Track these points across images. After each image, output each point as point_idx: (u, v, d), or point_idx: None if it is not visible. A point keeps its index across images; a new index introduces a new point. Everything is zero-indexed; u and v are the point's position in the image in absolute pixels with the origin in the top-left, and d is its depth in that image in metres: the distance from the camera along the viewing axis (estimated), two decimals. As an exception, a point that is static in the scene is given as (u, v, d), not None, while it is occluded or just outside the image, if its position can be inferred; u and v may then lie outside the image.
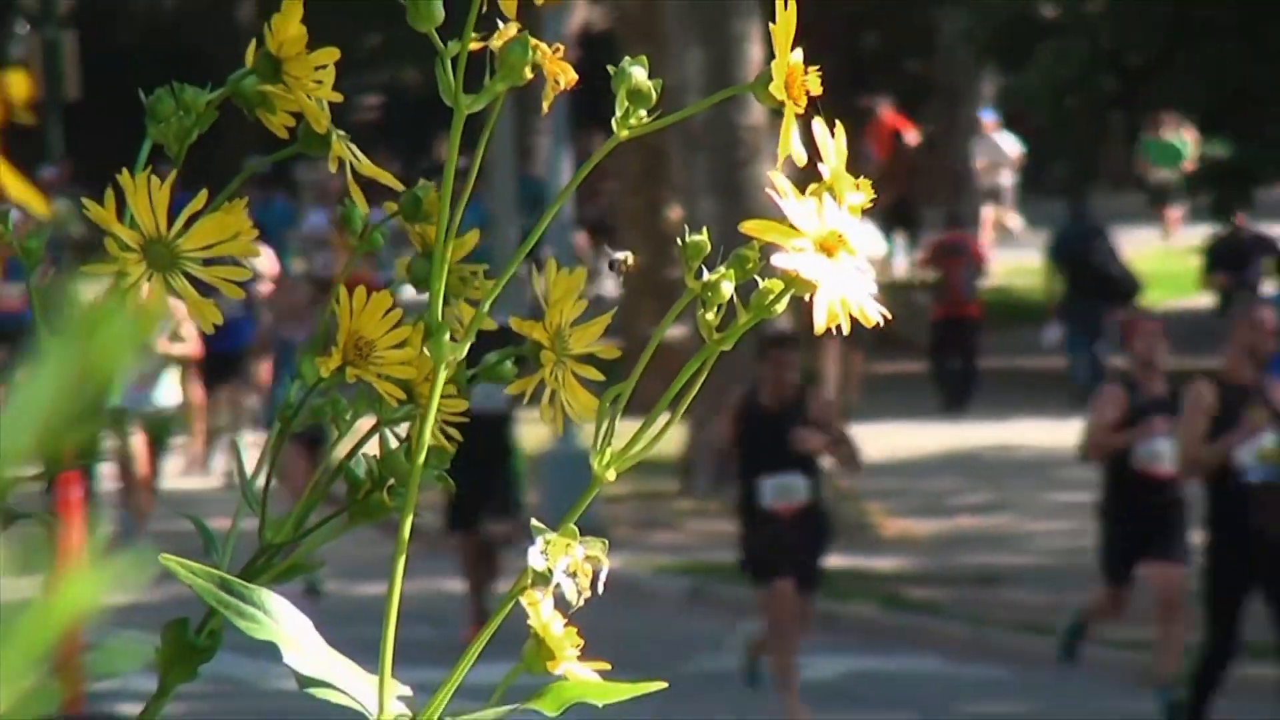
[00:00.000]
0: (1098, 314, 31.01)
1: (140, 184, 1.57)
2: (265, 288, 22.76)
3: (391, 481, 1.60)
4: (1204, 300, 32.14)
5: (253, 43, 1.62)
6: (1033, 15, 30.65)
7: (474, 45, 1.56)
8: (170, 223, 1.58)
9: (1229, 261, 28.12)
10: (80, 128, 33.47)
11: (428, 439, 1.58)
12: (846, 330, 1.54)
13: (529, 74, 1.58)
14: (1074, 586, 20.39)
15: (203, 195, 1.59)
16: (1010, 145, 39.87)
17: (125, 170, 1.57)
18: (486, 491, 16.84)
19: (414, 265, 1.60)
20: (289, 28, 1.61)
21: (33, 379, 0.58)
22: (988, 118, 40.32)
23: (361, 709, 1.52)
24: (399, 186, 1.63)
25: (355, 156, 1.64)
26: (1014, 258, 38.35)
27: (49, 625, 0.60)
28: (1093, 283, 31.03)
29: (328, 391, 1.63)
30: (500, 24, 1.57)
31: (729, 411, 16.46)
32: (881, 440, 22.30)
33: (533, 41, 1.57)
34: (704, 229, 1.60)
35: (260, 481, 1.64)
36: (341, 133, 1.64)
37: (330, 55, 1.62)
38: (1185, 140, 38.42)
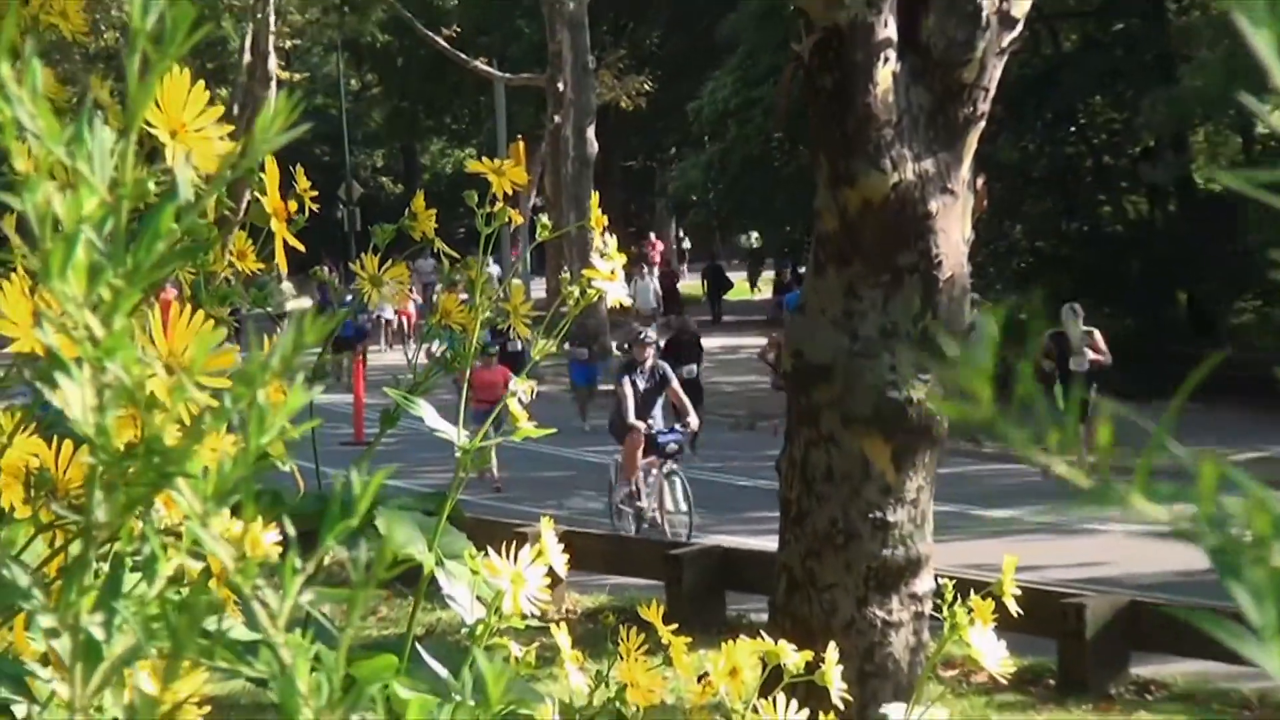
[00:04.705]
0: (720, 296, 31.23)
1: (370, 260, 1.53)
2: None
3: (458, 357, 1.57)
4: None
5: (406, 211, 1.59)
6: (682, 199, 30.05)
7: (491, 211, 1.54)
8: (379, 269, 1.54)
9: (779, 288, 27.21)
10: (359, 247, 33.08)
11: (472, 347, 1.55)
12: (622, 307, 1.53)
13: (509, 221, 1.55)
14: (741, 408, 19.69)
15: (390, 262, 1.55)
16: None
17: (365, 254, 1.53)
18: None
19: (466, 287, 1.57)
20: (419, 204, 1.58)
21: (288, 335, 0.49)
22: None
23: (452, 438, 1.49)
24: (458, 257, 1.60)
25: (448, 249, 1.60)
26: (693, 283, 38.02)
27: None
28: (717, 285, 31.29)
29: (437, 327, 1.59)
30: (501, 202, 1.54)
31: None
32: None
33: (510, 210, 1.54)
34: (570, 273, 1.58)
35: (414, 355, 1.61)
36: (441, 241, 1.60)
37: (431, 214, 1.59)
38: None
